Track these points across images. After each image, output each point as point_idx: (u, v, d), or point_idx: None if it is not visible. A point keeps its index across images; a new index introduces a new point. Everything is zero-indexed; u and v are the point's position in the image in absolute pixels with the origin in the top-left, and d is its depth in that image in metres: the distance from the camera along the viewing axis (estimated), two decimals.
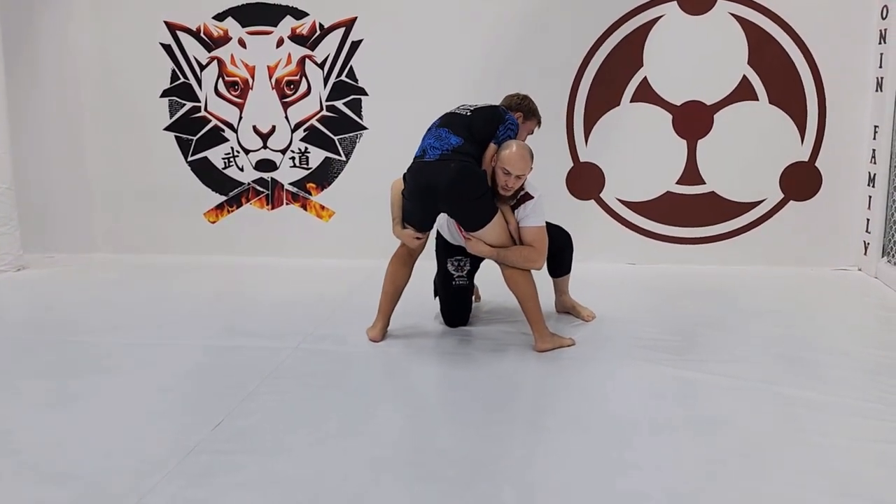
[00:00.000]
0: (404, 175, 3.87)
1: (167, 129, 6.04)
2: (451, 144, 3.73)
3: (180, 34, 5.90)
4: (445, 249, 4.20)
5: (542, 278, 4.29)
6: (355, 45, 5.75)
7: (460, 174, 3.66)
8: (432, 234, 4.08)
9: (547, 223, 4.00)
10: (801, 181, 5.48)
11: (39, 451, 2.89)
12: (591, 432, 3.04)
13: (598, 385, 3.50)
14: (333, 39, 5.77)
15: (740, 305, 4.77)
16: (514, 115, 4.00)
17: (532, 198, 3.89)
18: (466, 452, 2.87)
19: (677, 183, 5.59)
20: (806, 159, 5.46)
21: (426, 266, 4.22)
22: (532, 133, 4.20)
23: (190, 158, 6.06)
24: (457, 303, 4.25)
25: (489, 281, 4.43)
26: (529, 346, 3.94)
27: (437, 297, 4.35)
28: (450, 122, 3.85)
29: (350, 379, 3.60)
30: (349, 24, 5.74)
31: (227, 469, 2.74)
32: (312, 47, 5.80)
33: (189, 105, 5.99)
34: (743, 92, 5.42)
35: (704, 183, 5.57)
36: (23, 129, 6.02)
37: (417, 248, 4.00)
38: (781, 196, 5.52)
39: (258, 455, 2.84)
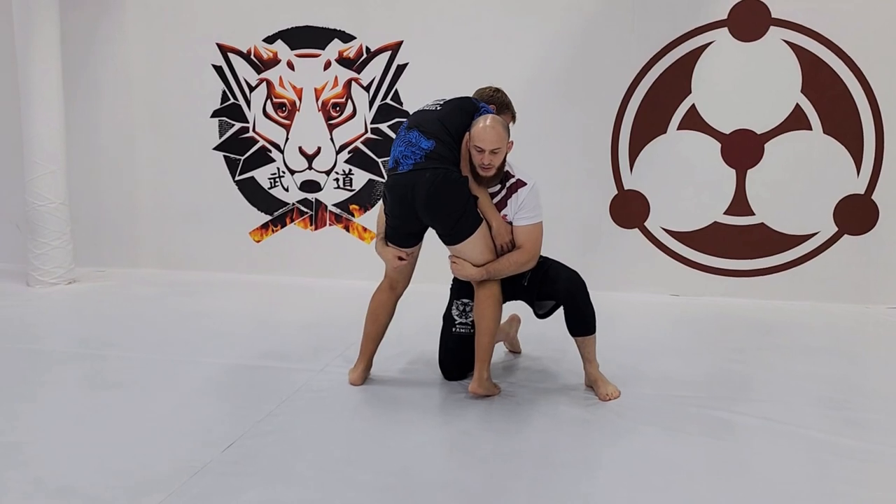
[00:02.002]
0: (383, 191, 3.65)
1: (216, 148, 6.16)
2: (422, 150, 3.45)
3: (231, 56, 6.02)
4: (456, 289, 3.87)
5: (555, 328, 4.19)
6: (401, 68, 5.77)
7: (437, 185, 3.39)
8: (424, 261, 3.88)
9: (554, 261, 3.72)
10: (856, 214, 5.26)
11: (47, 465, 2.93)
12: (602, 470, 2.94)
13: (615, 422, 3.38)
14: (379, 63, 5.81)
15: (785, 342, 4.58)
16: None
17: (525, 184, 3.58)
18: (471, 486, 2.80)
19: (725, 213, 5.43)
20: (862, 192, 5.24)
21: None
22: None
23: (237, 178, 6.16)
24: (453, 353, 3.80)
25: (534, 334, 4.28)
26: (548, 383, 3.85)
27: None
28: (419, 122, 3.55)
29: (366, 405, 3.57)
30: (395, 48, 5.77)
31: (229, 492, 2.72)
32: (359, 70, 5.85)
33: (238, 125, 6.10)
34: (796, 121, 5.24)
35: (754, 214, 5.39)
36: (78, 147, 6.21)
37: (400, 274, 3.77)
38: (835, 230, 5.30)
39: (262, 479, 2.82)
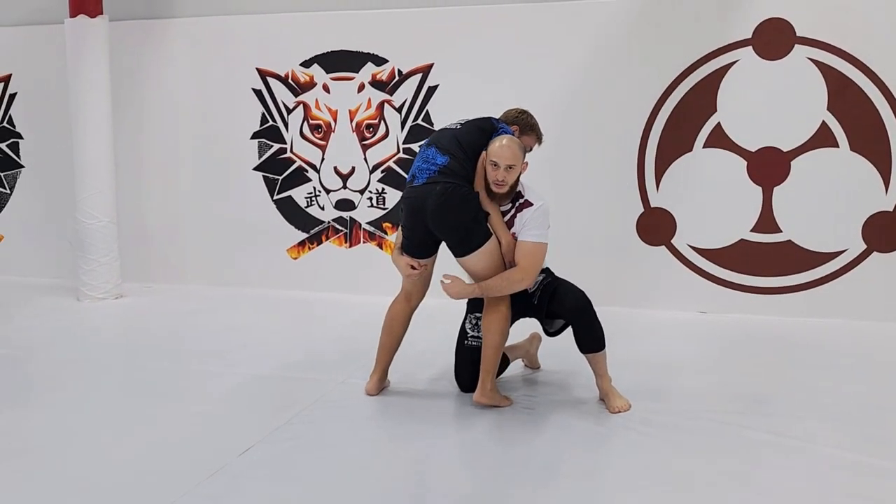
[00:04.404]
0: (400, 203, 3.81)
1: (256, 168, 6.39)
2: (437, 165, 3.64)
3: (270, 80, 6.26)
4: (470, 304, 3.97)
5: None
6: (431, 90, 5.94)
7: (444, 197, 3.56)
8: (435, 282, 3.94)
9: (563, 280, 3.81)
10: (885, 232, 5.22)
11: (76, 465, 3.14)
12: (606, 481, 3.03)
13: (624, 435, 3.45)
14: (411, 85, 5.98)
15: (810, 360, 4.57)
16: (510, 128, 3.85)
17: (532, 205, 3.69)
18: (474, 492, 2.91)
19: (752, 230, 5.44)
20: (891, 209, 5.21)
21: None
22: (530, 150, 4.00)
23: (275, 197, 6.38)
24: (466, 364, 3.91)
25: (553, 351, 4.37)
26: (561, 396, 3.94)
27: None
28: (438, 139, 3.76)
29: (380, 415, 3.71)
30: (426, 70, 5.93)
31: (240, 493, 2.89)
32: (391, 92, 6.03)
33: (276, 146, 6.33)
34: (822, 138, 5.24)
35: (781, 231, 5.39)
36: (126, 168, 6.51)
37: (414, 286, 3.90)
38: (864, 247, 5.27)
39: (273, 481, 2.97)
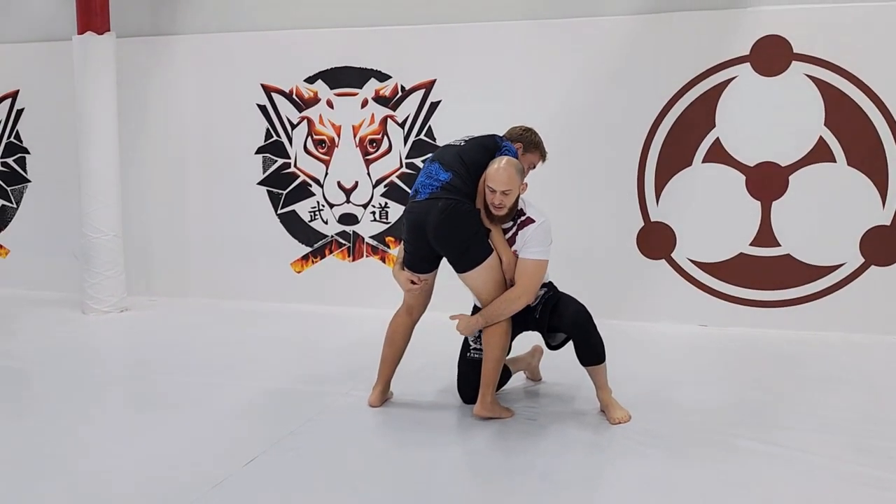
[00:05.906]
0: (402, 218, 3.85)
1: (260, 183, 6.46)
2: (440, 181, 3.68)
3: (275, 96, 6.34)
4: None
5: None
6: (434, 105, 6.01)
7: (445, 213, 3.60)
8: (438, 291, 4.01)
9: (564, 294, 3.87)
10: (882, 246, 5.27)
11: (83, 475, 3.19)
12: (601, 490, 3.08)
13: (622, 445, 3.49)
14: (414, 100, 6.06)
15: (807, 372, 4.61)
16: (514, 145, 3.90)
17: (533, 222, 3.73)
18: (471, 500, 2.95)
19: (751, 244, 5.49)
20: (888, 223, 5.26)
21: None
22: (534, 167, 4.07)
23: (279, 211, 6.45)
24: (468, 376, 3.95)
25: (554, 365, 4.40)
26: (562, 407, 3.98)
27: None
28: (442, 155, 3.81)
29: (383, 426, 3.75)
30: (428, 86, 6.01)
31: (244, 503, 2.92)
32: (394, 108, 6.10)
33: (280, 161, 6.40)
34: (820, 153, 5.30)
35: (779, 245, 5.44)
36: (132, 183, 6.57)
37: (416, 300, 3.94)
38: (862, 261, 5.32)
39: (277, 491, 3.02)
